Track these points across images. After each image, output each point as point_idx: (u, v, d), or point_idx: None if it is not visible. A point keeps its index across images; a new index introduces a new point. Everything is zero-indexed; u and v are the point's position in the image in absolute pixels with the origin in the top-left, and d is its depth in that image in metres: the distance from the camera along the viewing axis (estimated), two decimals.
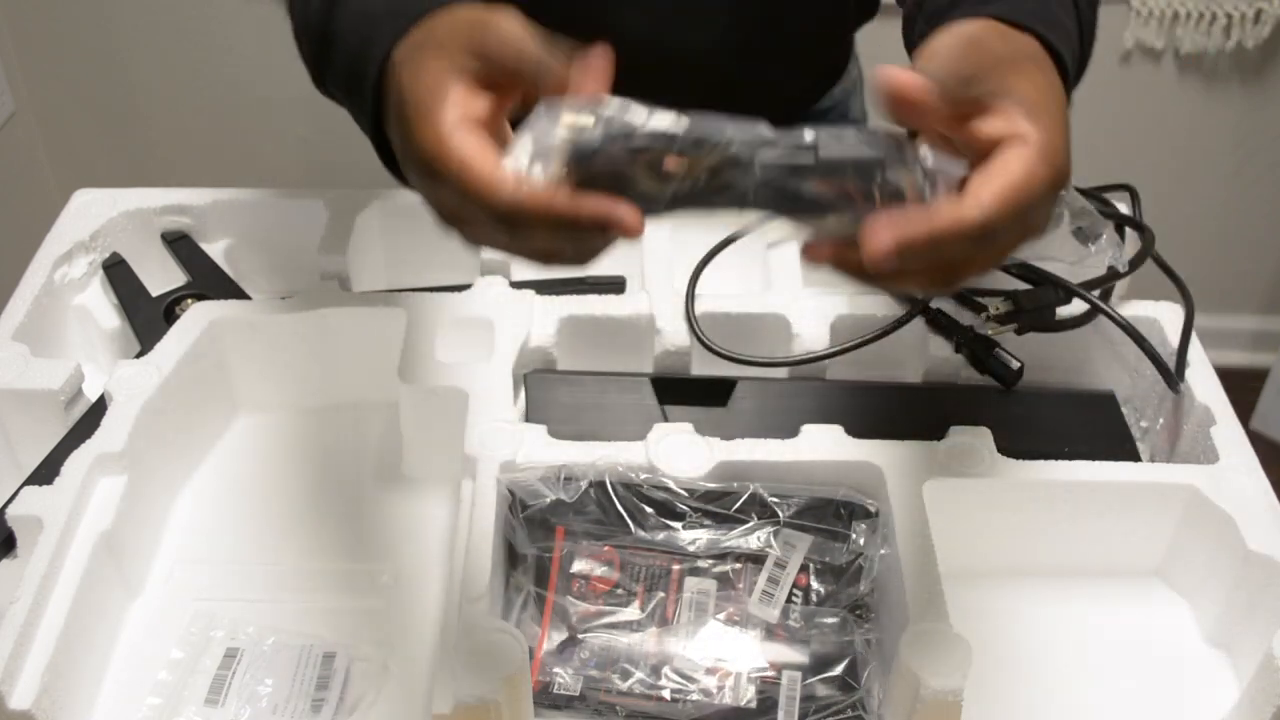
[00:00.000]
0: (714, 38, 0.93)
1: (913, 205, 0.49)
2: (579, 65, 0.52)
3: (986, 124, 0.51)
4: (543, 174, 0.49)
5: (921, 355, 0.83)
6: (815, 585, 0.69)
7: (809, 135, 0.49)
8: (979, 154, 0.51)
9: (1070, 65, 0.58)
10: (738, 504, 0.70)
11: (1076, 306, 0.81)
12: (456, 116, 0.52)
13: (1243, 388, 2.04)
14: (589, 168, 0.49)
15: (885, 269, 0.48)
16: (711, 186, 0.49)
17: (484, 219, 0.51)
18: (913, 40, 0.66)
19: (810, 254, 0.51)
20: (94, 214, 0.90)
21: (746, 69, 0.96)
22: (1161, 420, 0.83)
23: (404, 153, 0.55)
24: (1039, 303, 0.80)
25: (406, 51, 0.57)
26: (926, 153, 0.50)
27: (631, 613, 0.68)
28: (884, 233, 0.48)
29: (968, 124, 0.52)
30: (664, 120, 0.49)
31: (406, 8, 0.58)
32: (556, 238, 0.50)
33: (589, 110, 0.49)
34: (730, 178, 0.49)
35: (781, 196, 0.50)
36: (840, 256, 0.50)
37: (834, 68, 1.04)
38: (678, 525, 0.70)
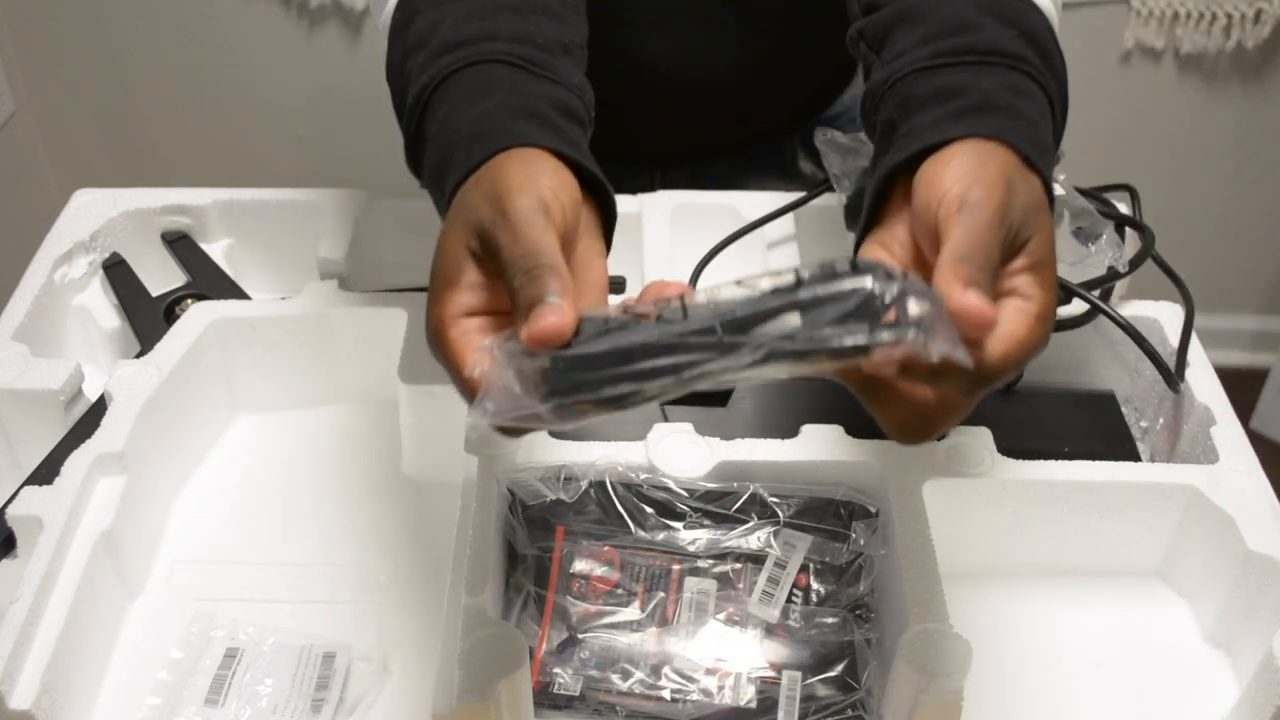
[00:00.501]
0: (729, 59, 0.96)
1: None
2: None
3: (1000, 276, 0.52)
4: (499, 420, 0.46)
5: None
6: (815, 585, 0.69)
7: (791, 322, 0.45)
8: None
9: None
10: (738, 504, 0.70)
11: (1076, 306, 0.81)
12: (456, 311, 0.52)
13: (1243, 388, 2.05)
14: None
15: (882, 371, 0.48)
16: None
17: None
18: (878, 104, 0.62)
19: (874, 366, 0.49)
20: (94, 214, 0.90)
21: (760, 85, 0.99)
22: (1161, 420, 0.83)
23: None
24: None
25: (459, 202, 0.55)
26: (913, 306, 0.46)
27: (631, 613, 0.68)
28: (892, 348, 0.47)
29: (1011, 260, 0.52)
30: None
31: (482, 136, 0.56)
32: None
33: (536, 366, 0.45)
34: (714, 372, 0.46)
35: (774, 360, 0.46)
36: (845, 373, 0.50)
37: (842, 77, 1.05)
38: (678, 525, 0.70)
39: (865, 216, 0.58)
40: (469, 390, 0.49)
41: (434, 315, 0.52)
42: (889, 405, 0.50)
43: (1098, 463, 0.73)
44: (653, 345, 0.44)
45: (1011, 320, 0.51)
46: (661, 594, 0.68)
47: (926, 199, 0.53)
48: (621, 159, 0.86)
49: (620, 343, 0.44)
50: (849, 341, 0.44)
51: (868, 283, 0.44)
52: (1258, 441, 1.19)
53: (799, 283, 0.45)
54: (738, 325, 0.45)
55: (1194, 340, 0.82)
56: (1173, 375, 0.80)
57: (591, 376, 0.44)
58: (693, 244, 0.87)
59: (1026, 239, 0.53)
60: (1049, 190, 0.56)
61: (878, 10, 0.64)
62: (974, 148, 0.54)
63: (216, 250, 0.93)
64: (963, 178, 0.53)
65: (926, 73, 0.59)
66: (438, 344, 0.51)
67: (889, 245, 0.55)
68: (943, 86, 0.58)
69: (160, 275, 0.90)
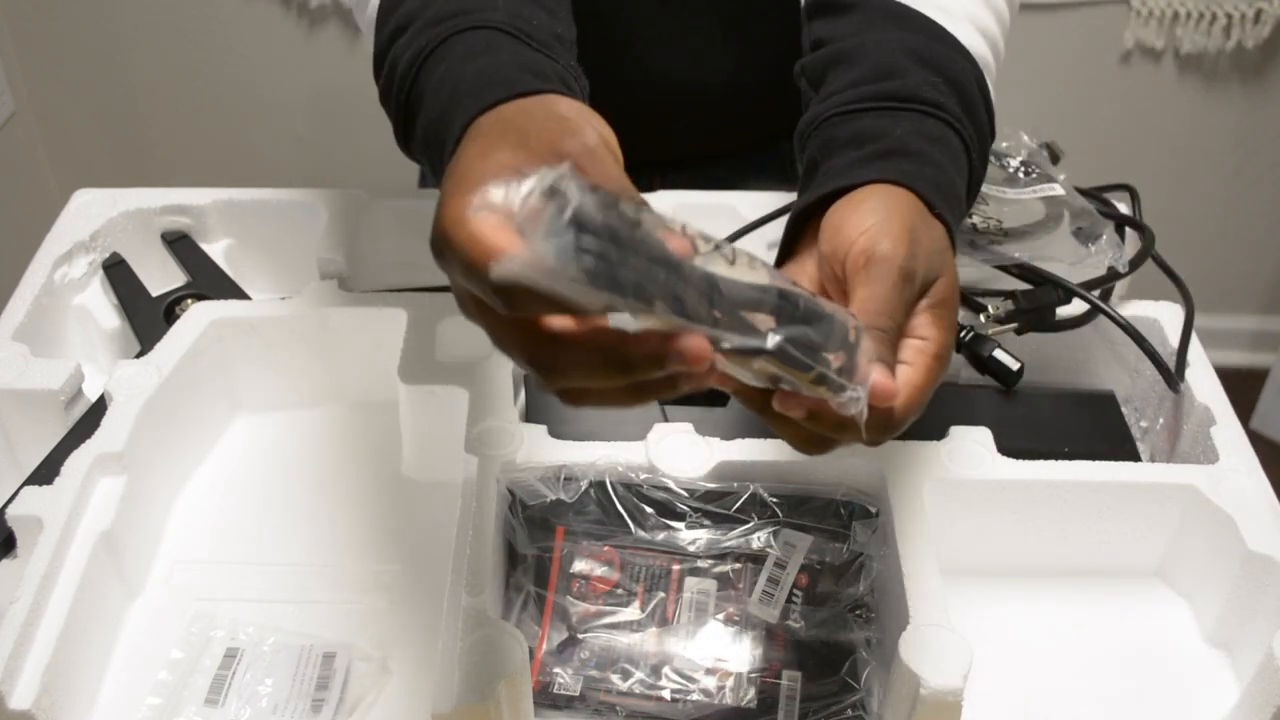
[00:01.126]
0: (728, 69, 0.98)
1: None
2: None
3: (928, 330, 0.55)
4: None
5: None
6: (815, 585, 0.69)
7: (769, 340, 0.46)
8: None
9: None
10: (738, 504, 0.70)
11: (1076, 306, 0.81)
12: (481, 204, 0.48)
13: (1243, 388, 2.05)
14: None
15: (791, 413, 0.50)
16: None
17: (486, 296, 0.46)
18: (803, 141, 0.65)
19: (784, 405, 0.51)
20: (94, 214, 0.90)
21: (759, 93, 1.00)
22: (1161, 420, 0.83)
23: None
24: (1039, 303, 0.80)
25: (487, 126, 0.54)
26: (859, 332, 0.50)
27: (631, 613, 0.68)
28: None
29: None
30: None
31: (496, 82, 0.56)
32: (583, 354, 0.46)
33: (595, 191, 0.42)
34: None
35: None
36: (816, 409, 0.51)
37: None
38: (678, 525, 0.70)
39: (780, 250, 0.61)
40: (480, 264, 0.44)
41: (454, 205, 0.47)
42: (788, 427, 0.52)
43: (1098, 463, 0.73)
44: (684, 275, 0.43)
45: (913, 363, 0.54)
46: (661, 594, 0.68)
47: (834, 246, 0.56)
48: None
49: (666, 255, 0.43)
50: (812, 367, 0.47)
51: (849, 320, 0.49)
52: (1258, 441, 1.19)
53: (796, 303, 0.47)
54: (742, 303, 0.46)
55: (1194, 340, 0.82)
56: (1173, 375, 0.80)
57: (629, 276, 0.42)
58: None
59: (931, 280, 0.55)
60: (951, 234, 0.58)
61: (820, 49, 0.67)
62: (881, 194, 0.57)
63: (216, 250, 0.93)
64: (868, 230, 0.55)
65: (848, 116, 0.62)
66: (454, 231, 0.46)
67: (798, 278, 0.57)
68: (860, 130, 0.61)
69: (160, 275, 0.90)
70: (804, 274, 0.58)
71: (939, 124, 0.61)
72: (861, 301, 0.53)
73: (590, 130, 0.53)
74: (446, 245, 0.46)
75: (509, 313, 0.45)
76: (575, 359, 0.45)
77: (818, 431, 0.52)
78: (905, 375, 0.53)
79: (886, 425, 0.52)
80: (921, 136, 0.60)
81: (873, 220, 0.55)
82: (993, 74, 0.69)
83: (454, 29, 0.60)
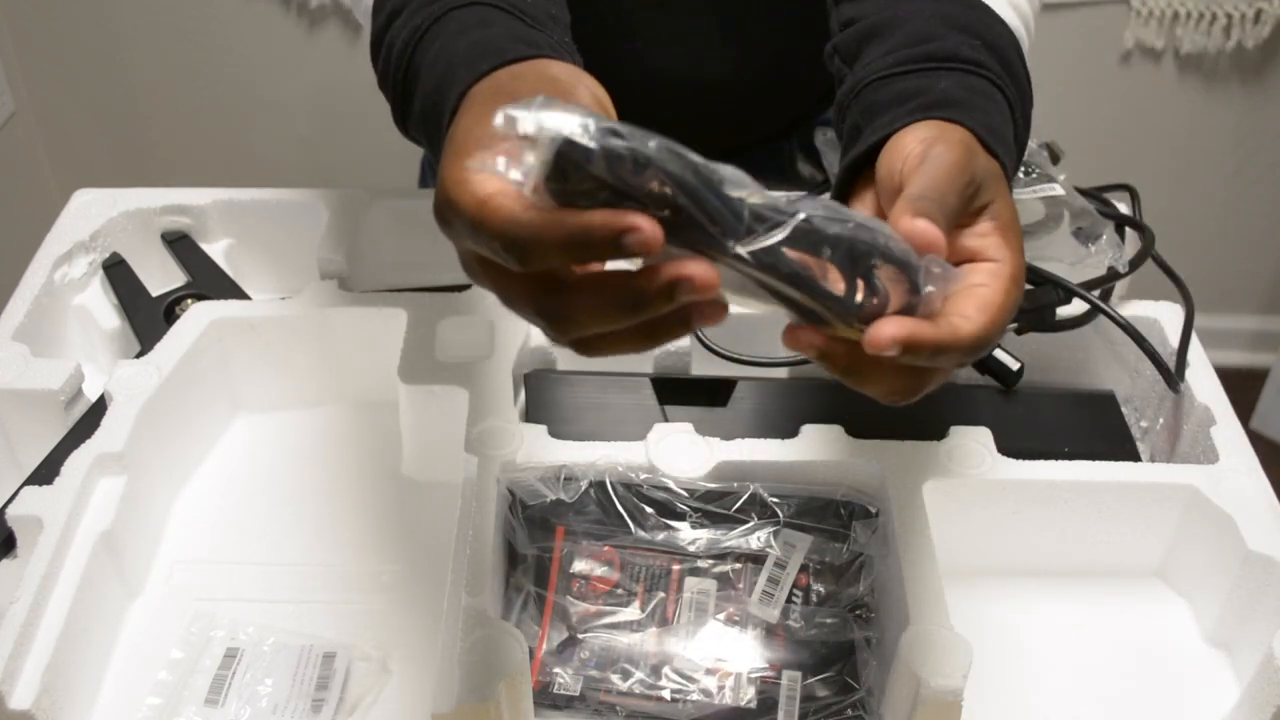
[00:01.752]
0: (728, 69, 0.97)
1: (897, 307, 0.48)
2: None
3: (967, 237, 0.53)
4: (521, 176, 0.42)
5: None
6: (815, 585, 0.69)
7: (803, 209, 0.45)
8: (953, 261, 0.53)
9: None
10: (738, 504, 0.70)
11: (1076, 306, 0.81)
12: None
13: (1243, 388, 2.05)
14: (575, 183, 0.42)
15: (884, 352, 0.47)
16: (690, 227, 0.43)
17: (499, 254, 0.46)
18: (845, 113, 0.64)
19: (796, 336, 0.49)
20: (94, 214, 0.90)
21: (758, 93, 1.00)
22: (1161, 420, 0.83)
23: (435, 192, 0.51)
24: (1039, 303, 0.80)
25: (482, 93, 0.54)
26: (933, 262, 0.49)
27: (631, 613, 0.68)
28: (894, 325, 0.47)
29: (951, 233, 0.53)
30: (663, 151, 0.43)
31: (489, 52, 0.56)
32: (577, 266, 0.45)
33: (580, 113, 0.42)
34: (714, 219, 0.43)
35: (764, 259, 0.44)
36: (827, 346, 0.49)
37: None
38: (678, 525, 0.70)
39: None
40: (488, 218, 0.44)
41: (454, 168, 0.47)
42: (873, 379, 0.50)
43: (1098, 463, 0.73)
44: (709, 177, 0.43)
45: (987, 285, 0.51)
46: (661, 594, 0.68)
47: (890, 165, 0.55)
48: None
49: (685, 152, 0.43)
50: (863, 236, 0.45)
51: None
52: (1258, 441, 1.19)
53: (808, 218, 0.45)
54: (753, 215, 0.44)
55: (1194, 340, 0.82)
56: (1173, 375, 0.80)
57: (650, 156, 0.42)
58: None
59: (989, 201, 0.54)
60: (1006, 171, 0.57)
61: (851, 27, 0.67)
62: (933, 125, 0.56)
63: (216, 250, 0.93)
64: (925, 139, 0.54)
65: (888, 80, 0.61)
66: (456, 191, 0.46)
67: None
68: (902, 91, 0.60)
69: (160, 275, 0.90)
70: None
71: (980, 80, 0.61)
72: (912, 187, 0.51)
73: (583, 89, 0.53)
74: (450, 207, 0.46)
75: (519, 266, 0.45)
76: (585, 304, 0.45)
77: (913, 363, 0.49)
78: (983, 296, 0.51)
79: (973, 343, 0.49)
80: (965, 89, 0.59)
81: (928, 133, 0.55)
82: (1027, 47, 0.69)
83: (448, 7, 0.61)
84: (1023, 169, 0.87)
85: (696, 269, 0.43)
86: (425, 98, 0.60)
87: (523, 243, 0.44)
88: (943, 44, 0.62)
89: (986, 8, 0.66)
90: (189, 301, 0.86)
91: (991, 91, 0.60)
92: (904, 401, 0.52)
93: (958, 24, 0.63)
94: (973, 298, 0.51)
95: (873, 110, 0.60)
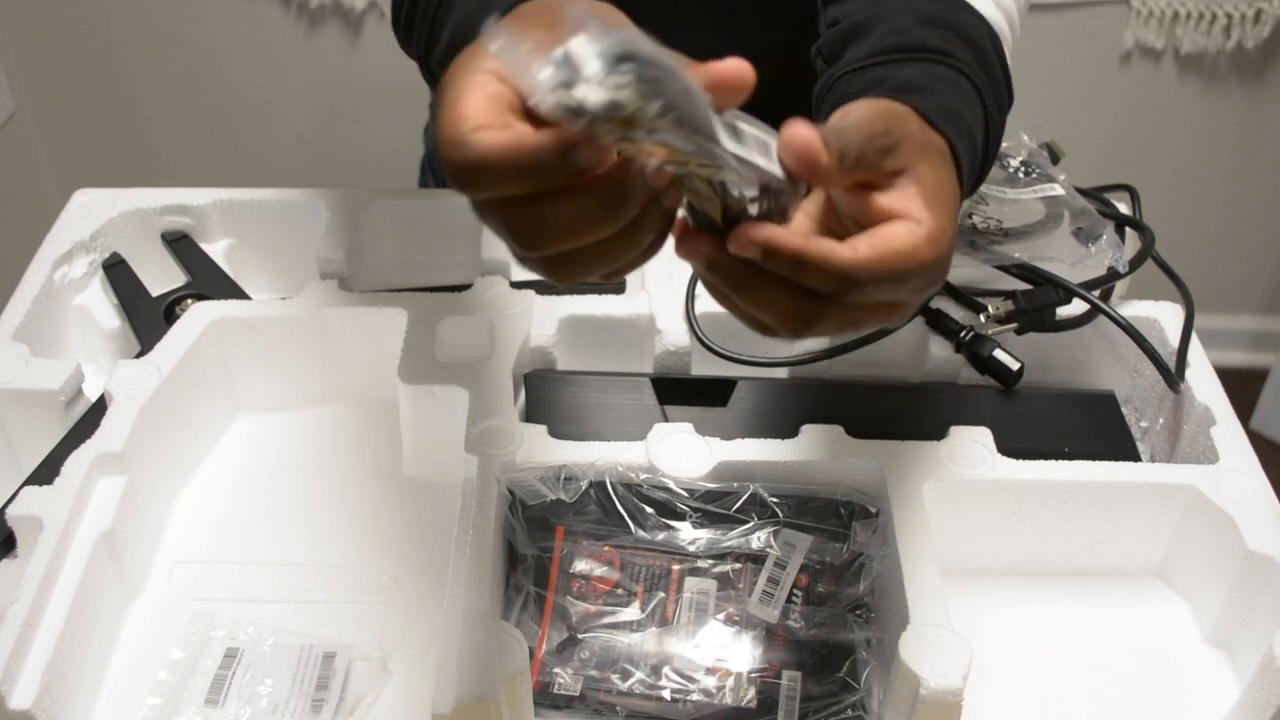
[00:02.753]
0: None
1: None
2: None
3: (885, 198, 0.53)
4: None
5: (921, 355, 0.83)
6: (815, 585, 0.69)
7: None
8: (868, 224, 0.53)
9: (966, 180, 0.59)
10: (738, 504, 0.70)
11: (1076, 306, 0.81)
12: (493, 90, 0.48)
13: (1243, 388, 2.05)
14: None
15: (744, 254, 0.48)
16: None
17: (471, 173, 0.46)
18: (818, 105, 0.67)
19: (689, 244, 0.50)
20: (94, 214, 0.90)
21: (759, 97, 1.00)
22: (1161, 420, 0.83)
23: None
24: (1039, 303, 0.80)
25: (507, 25, 0.54)
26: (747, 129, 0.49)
27: (631, 613, 0.68)
28: (756, 229, 0.48)
29: (866, 194, 0.53)
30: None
31: None
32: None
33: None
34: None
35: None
36: (717, 255, 0.50)
37: None
38: (678, 525, 0.70)
39: None
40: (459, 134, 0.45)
41: (456, 85, 0.48)
42: (763, 299, 0.51)
43: (1098, 463, 0.73)
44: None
45: (894, 232, 0.51)
46: (661, 594, 0.68)
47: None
48: None
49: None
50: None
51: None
52: (1258, 441, 1.19)
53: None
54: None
55: (1194, 340, 0.82)
56: (1173, 375, 0.80)
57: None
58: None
59: (909, 165, 0.53)
60: (955, 150, 0.58)
61: (835, 27, 0.69)
62: (887, 100, 0.57)
63: (216, 250, 0.93)
64: (856, 104, 0.55)
65: (858, 72, 0.63)
66: (450, 104, 0.47)
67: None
68: (869, 80, 0.62)
69: (160, 275, 0.90)
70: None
71: (946, 69, 0.62)
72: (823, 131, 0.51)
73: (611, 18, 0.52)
74: (442, 115, 0.47)
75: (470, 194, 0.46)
76: (561, 212, 0.45)
77: (776, 270, 0.49)
78: (882, 236, 0.51)
79: (847, 273, 0.49)
80: (929, 76, 0.60)
81: (862, 100, 0.56)
82: (1009, 43, 0.70)
83: None
84: (1023, 169, 0.87)
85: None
86: (458, 25, 0.61)
87: (477, 170, 0.45)
88: (912, 36, 0.63)
89: (965, 4, 0.67)
90: (189, 301, 0.86)
91: (956, 78, 0.62)
92: (793, 336, 0.52)
93: (932, 18, 0.65)
94: (872, 235, 0.51)
95: (841, 100, 0.61)
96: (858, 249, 0.50)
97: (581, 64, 0.42)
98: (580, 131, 0.43)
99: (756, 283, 0.50)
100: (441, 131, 0.47)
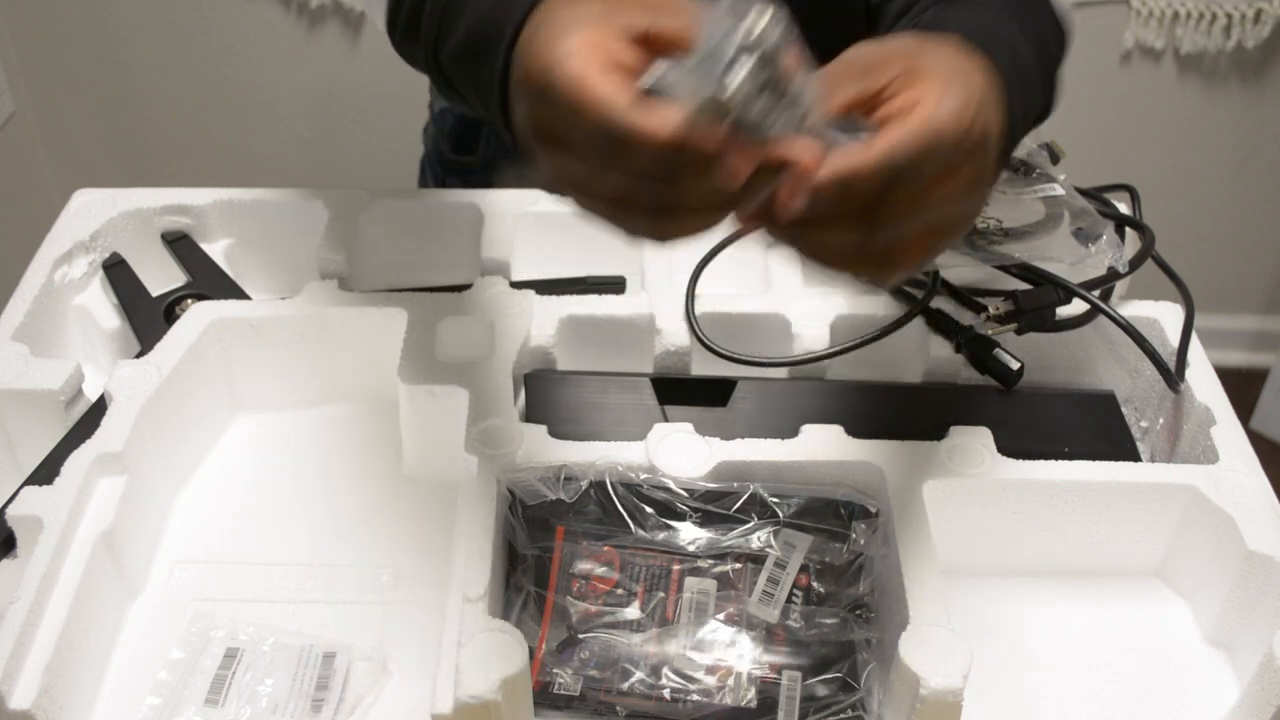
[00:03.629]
0: None
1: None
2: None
3: (896, 100, 0.51)
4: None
5: (921, 355, 0.83)
6: (815, 585, 0.69)
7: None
8: (886, 117, 0.51)
9: (1013, 80, 0.58)
10: (738, 504, 0.70)
11: (1076, 306, 0.81)
12: (590, 44, 0.49)
13: (1243, 388, 2.05)
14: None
15: (795, 213, 0.48)
16: None
17: (588, 141, 0.48)
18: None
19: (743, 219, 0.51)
20: (94, 214, 0.90)
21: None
22: (1161, 420, 0.83)
23: (521, 79, 0.51)
24: (1039, 303, 0.80)
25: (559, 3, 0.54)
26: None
27: (631, 613, 0.68)
28: (795, 182, 0.48)
29: (880, 101, 0.52)
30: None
31: None
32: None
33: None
34: None
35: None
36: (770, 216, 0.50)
37: None
38: (678, 525, 0.70)
39: None
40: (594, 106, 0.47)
41: (551, 49, 0.49)
42: (822, 245, 0.51)
43: (1098, 463, 0.73)
44: None
45: (916, 113, 0.50)
46: (661, 594, 0.68)
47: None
48: None
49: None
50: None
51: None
52: (1258, 441, 1.18)
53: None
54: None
55: (1194, 340, 0.82)
56: (1173, 375, 0.80)
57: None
58: (693, 244, 0.87)
59: (909, 67, 0.52)
60: (1000, 70, 0.56)
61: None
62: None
63: (216, 250, 0.93)
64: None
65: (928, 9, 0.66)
66: (555, 64, 0.48)
67: None
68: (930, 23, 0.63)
69: (160, 275, 0.90)
70: None
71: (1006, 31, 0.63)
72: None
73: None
74: (549, 80, 0.48)
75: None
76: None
77: (853, 207, 0.49)
78: (903, 122, 0.50)
79: (890, 165, 0.48)
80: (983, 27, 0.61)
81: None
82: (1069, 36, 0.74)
83: None
84: (1023, 169, 0.87)
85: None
86: (475, 23, 0.60)
87: (624, 148, 0.47)
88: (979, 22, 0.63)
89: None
90: (189, 301, 0.86)
91: (1015, 36, 0.63)
92: (892, 268, 0.52)
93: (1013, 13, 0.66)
94: (894, 126, 0.50)
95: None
96: (888, 138, 0.49)
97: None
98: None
99: (829, 239, 0.50)
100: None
